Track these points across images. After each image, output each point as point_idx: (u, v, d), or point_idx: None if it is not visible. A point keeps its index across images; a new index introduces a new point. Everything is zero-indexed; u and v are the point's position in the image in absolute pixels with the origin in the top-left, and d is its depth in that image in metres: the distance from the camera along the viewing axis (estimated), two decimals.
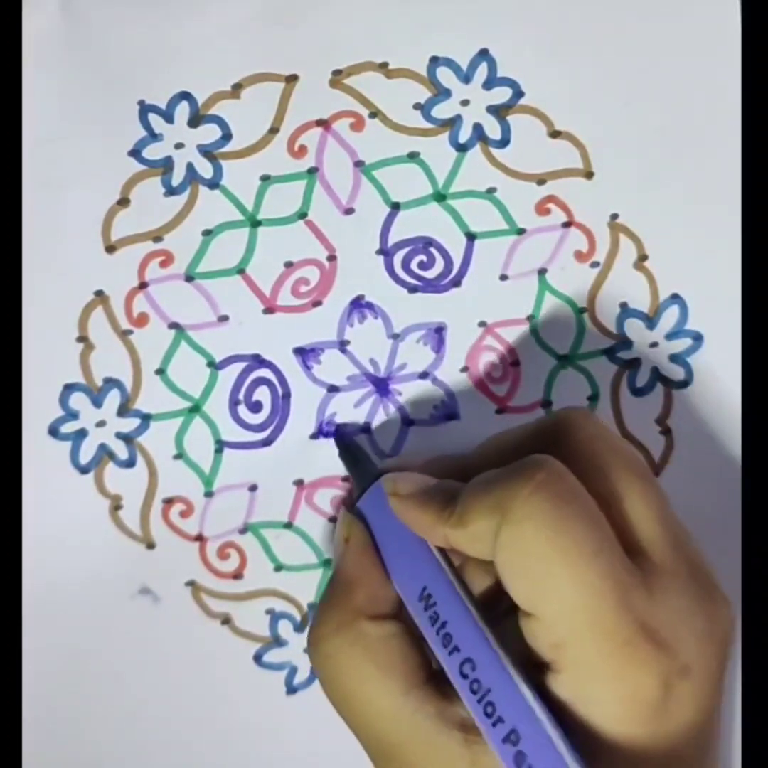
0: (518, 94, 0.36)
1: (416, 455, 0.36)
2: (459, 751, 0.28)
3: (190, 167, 0.36)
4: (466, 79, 0.36)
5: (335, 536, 0.34)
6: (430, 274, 0.36)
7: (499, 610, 0.29)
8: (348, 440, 0.36)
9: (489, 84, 0.36)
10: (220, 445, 0.37)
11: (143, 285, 0.36)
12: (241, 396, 0.37)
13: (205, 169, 0.36)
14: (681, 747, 0.26)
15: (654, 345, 0.37)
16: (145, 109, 0.35)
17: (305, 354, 0.37)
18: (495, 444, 0.34)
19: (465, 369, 0.37)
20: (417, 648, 0.30)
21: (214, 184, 0.36)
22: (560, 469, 0.28)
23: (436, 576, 0.30)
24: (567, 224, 0.36)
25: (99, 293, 0.36)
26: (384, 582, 0.31)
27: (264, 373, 0.37)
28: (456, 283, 0.37)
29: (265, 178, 0.36)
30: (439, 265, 0.36)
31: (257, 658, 0.38)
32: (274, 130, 0.36)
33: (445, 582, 0.30)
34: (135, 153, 0.36)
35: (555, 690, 0.27)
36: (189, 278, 0.36)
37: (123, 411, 0.37)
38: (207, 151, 0.36)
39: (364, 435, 0.37)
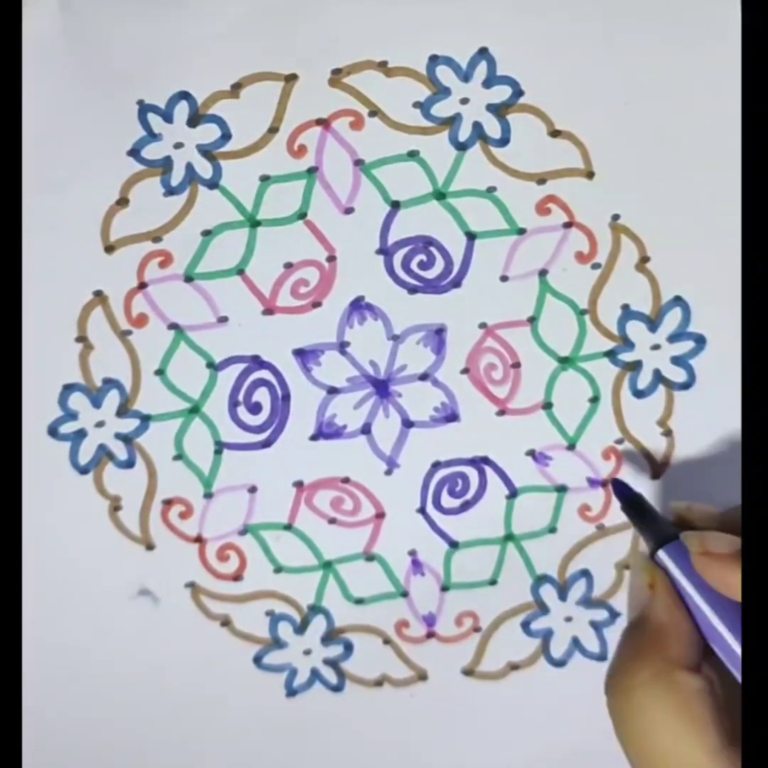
0: (518, 92, 0.35)
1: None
2: None
3: (189, 167, 0.36)
4: (466, 77, 0.35)
5: (633, 582, 0.33)
6: (430, 274, 0.36)
7: None
8: (635, 495, 0.35)
9: (489, 82, 0.35)
10: (220, 446, 0.37)
11: (142, 285, 0.36)
12: (240, 397, 0.37)
13: (204, 168, 0.36)
14: None
15: (656, 347, 0.37)
16: (144, 108, 0.35)
17: (305, 355, 0.37)
18: None
19: (465, 370, 0.37)
20: (725, 704, 0.30)
21: (213, 184, 0.36)
22: None
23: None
24: (568, 225, 0.36)
25: (98, 293, 0.36)
26: (694, 632, 0.31)
27: (263, 374, 0.37)
28: (456, 283, 0.36)
29: (265, 178, 0.36)
30: (439, 265, 0.36)
31: (257, 659, 0.38)
32: (273, 130, 0.35)
33: None
34: (134, 153, 0.35)
35: None
36: (188, 279, 0.36)
37: (122, 411, 0.37)
38: (206, 151, 0.36)
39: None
